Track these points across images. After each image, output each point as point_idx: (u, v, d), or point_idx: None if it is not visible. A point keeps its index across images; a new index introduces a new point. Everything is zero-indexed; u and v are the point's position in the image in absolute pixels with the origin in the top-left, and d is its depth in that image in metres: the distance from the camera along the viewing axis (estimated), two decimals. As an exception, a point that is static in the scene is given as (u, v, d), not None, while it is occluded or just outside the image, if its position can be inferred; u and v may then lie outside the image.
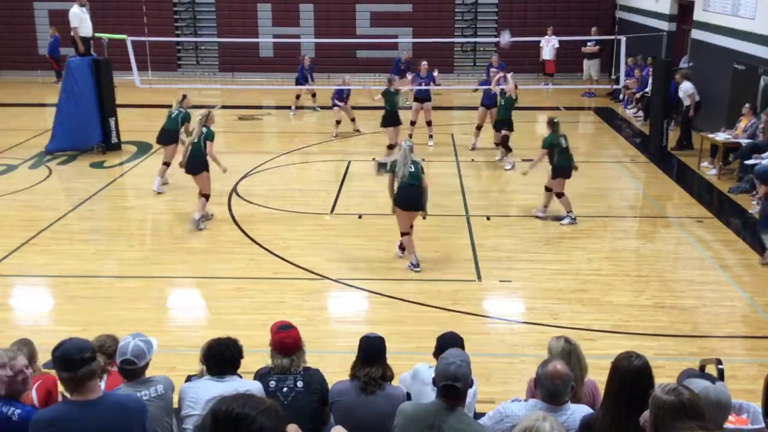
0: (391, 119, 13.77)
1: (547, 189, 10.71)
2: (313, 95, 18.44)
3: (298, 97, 18.15)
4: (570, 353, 4.42)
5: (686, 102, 14.65)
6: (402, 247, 9.16)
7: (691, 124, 14.89)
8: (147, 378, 4.33)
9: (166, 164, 12.09)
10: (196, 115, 10.58)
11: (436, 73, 15.17)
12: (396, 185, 8.77)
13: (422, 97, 14.94)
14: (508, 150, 13.53)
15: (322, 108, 17.99)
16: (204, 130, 10.18)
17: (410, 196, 8.69)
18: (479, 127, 14.66)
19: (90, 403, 3.56)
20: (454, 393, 3.84)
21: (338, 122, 15.84)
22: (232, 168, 13.41)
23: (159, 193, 11.99)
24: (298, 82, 17.89)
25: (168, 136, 12.00)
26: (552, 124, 10.63)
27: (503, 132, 13.46)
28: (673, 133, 15.24)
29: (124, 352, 4.24)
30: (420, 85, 14.92)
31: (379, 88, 14.41)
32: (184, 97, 12.17)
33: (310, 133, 16.69)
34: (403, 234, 8.92)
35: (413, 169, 8.64)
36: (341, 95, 15.76)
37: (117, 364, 4.32)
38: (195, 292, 8.75)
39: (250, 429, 2.21)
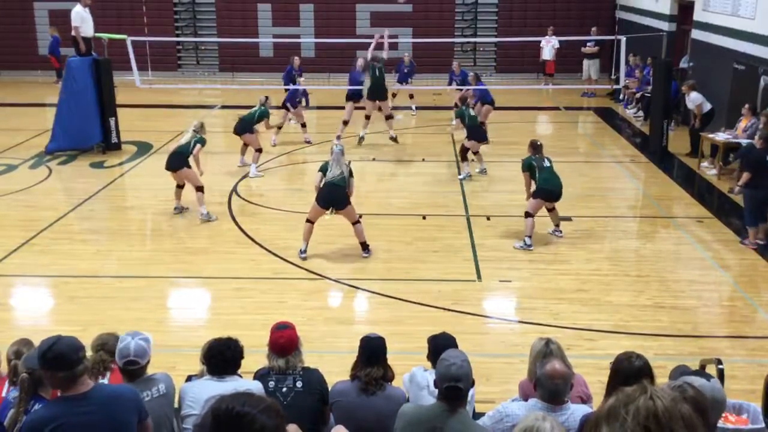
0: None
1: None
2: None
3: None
4: (552, 354, 4.41)
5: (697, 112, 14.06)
6: (366, 248, 9.50)
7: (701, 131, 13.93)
8: (148, 377, 4.33)
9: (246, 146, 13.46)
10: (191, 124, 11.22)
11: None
12: (322, 183, 9.24)
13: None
14: (464, 159, 12.98)
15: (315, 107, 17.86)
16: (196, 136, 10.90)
17: (330, 195, 9.19)
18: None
19: (83, 396, 3.57)
20: (457, 394, 3.83)
21: (280, 127, 15.16)
22: (232, 167, 13.47)
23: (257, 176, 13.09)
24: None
25: (242, 127, 13.21)
26: (533, 146, 10.01)
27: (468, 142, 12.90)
28: (674, 133, 15.23)
29: (127, 354, 4.22)
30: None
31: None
32: (267, 98, 13.63)
33: (310, 133, 16.65)
34: (308, 221, 9.38)
35: (342, 173, 9.16)
36: (294, 98, 15.16)
37: (119, 365, 4.30)
38: (195, 292, 8.75)
39: (250, 428, 2.20)
